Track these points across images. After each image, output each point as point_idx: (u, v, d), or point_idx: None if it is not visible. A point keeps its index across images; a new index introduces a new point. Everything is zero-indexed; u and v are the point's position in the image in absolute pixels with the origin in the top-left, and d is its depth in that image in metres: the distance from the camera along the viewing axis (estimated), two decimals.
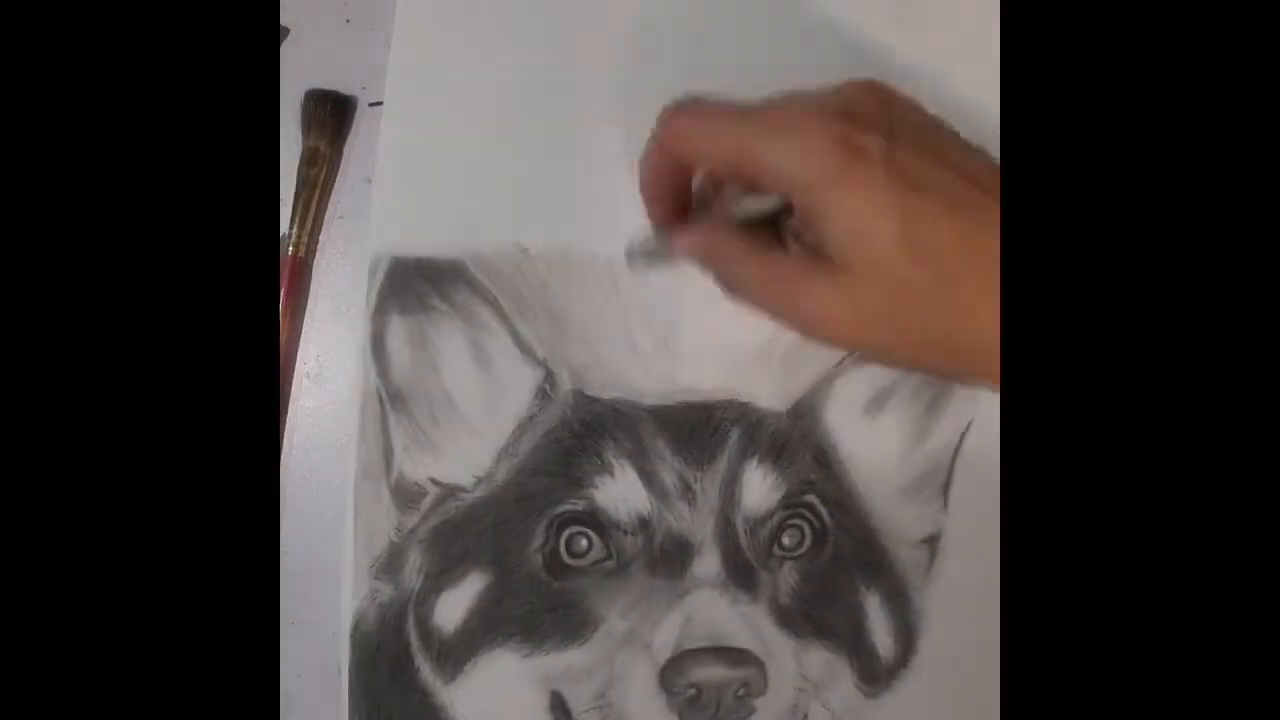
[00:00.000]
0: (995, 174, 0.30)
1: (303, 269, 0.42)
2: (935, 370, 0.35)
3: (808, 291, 0.31)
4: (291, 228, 0.42)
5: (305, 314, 0.42)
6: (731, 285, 0.33)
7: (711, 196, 0.35)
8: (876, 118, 0.30)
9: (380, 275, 0.40)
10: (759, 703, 0.37)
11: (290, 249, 0.42)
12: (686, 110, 0.33)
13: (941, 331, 0.30)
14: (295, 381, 0.42)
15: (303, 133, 0.43)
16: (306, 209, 0.42)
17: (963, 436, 0.39)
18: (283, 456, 0.41)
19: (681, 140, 0.33)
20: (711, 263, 0.33)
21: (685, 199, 0.35)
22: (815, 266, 0.31)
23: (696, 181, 0.35)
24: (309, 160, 0.43)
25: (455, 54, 0.42)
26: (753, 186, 0.32)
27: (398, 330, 0.40)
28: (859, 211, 0.29)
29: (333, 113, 0.43)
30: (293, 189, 0.43)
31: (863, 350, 0.34)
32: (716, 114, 0.32)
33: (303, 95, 0.43)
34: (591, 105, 0.41)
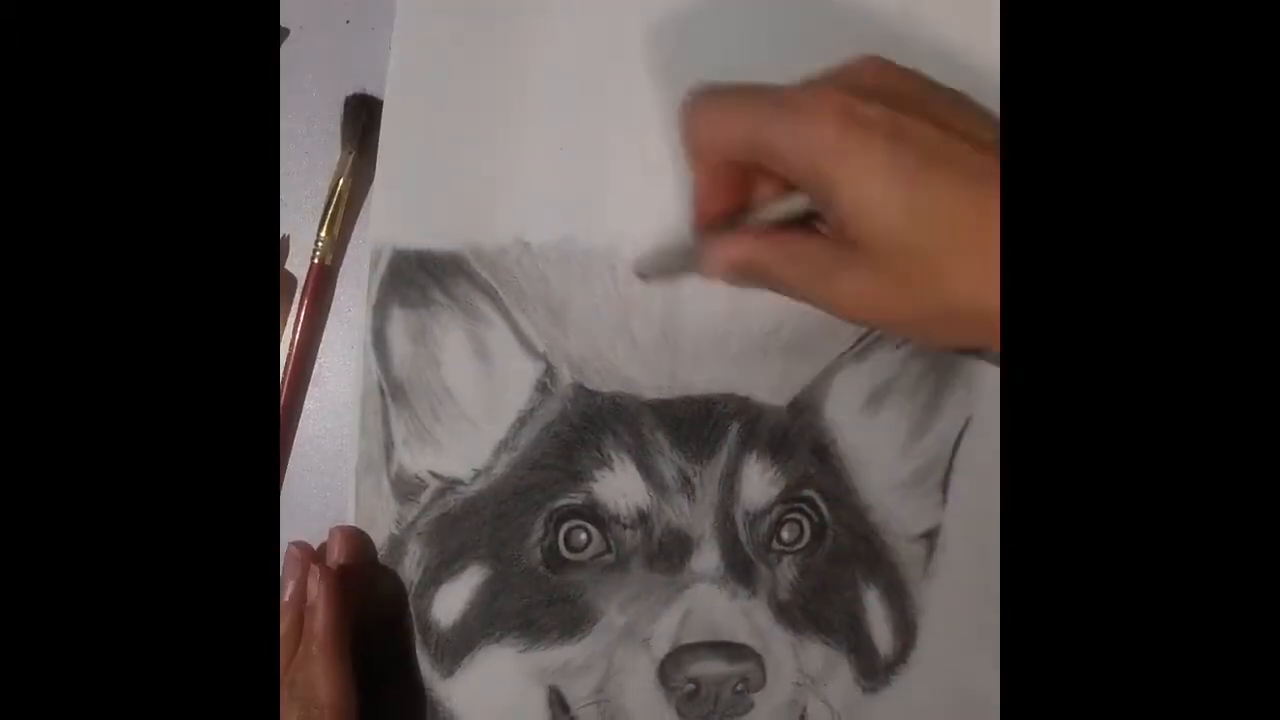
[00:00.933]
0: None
1: (328, 276, 0.42)
2: (972, 343, 0.34)
3: (839, 278, 0.31)
4: (320, 234, 0.42)
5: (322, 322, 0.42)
6: (771, 288, 0.33)
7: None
8: (879, 88, 0.30)
9: (381, 268, 0.40)
10: (757, 697, 0.37)
11: (316, 257, 0.42)
12: (700, 100, 0.33)
13: (965, 299, 0.30)
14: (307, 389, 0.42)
15: (342, 140, 0.43)
16: (335, 216, 0.42)
17: (962, 431, 0.39)
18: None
19: (698, 131, 0.33)
20: (750, 275, 0.33)
21: (734, 201, 0.34)
22: (842, 251, 0.31)
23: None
24: (341, 167, 0.43)
25: (455, 52, 0.42)
26: (771, 173, 0.32)
27: (399, 323, 0.40)
28: (864, 182, 0.29)
29: (366, 120, 0.42)
30: (323, 191, 0.42)
31: (898, 329, 0.34)
32: (727, 99, 0.32)
33: (342, 101, 0.43)
34: (591, 100, 0.41)
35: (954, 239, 0.29)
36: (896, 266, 0.30)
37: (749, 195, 0.34)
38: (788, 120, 0.30)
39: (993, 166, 0.29)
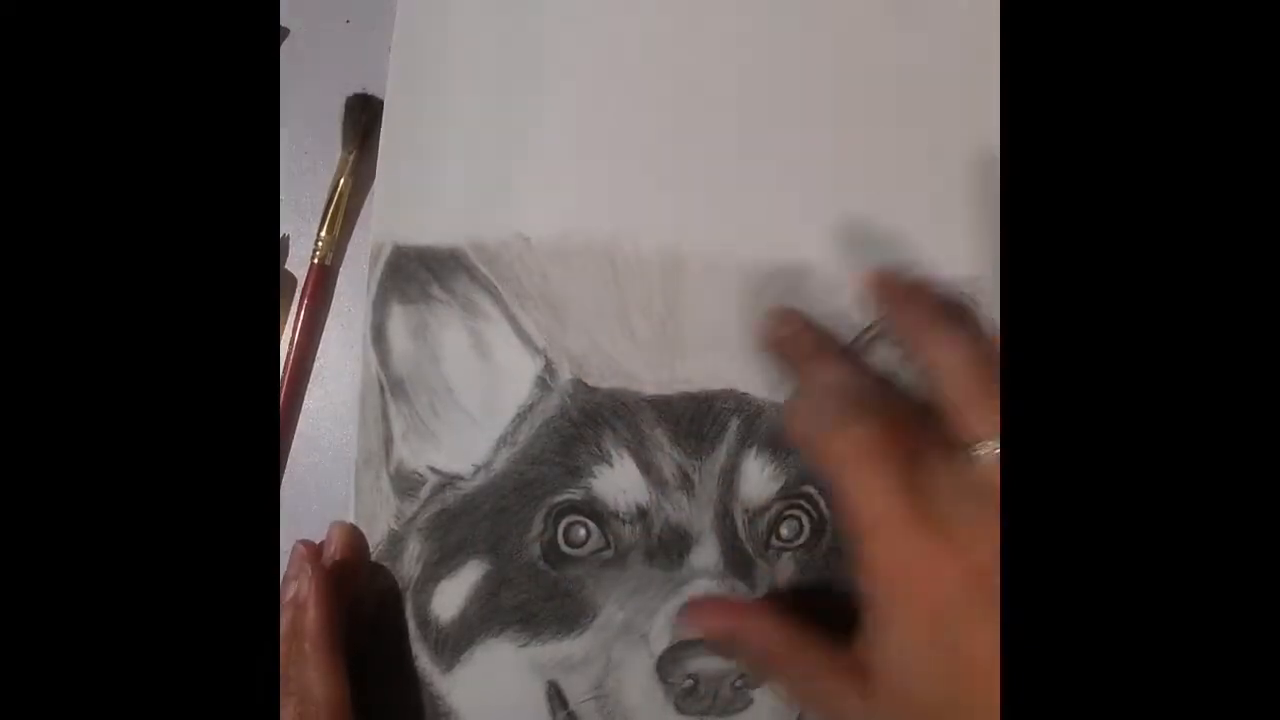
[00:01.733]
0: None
1: (327, 276, 0.42)
2: None
3: (840, 704, 0.30)
4: (320, 234, 0.42)
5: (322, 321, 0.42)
6: (759, 671, 0.34)
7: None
8: (937, 471, 0.30)
9: (381, 264, 0.40)
10: (757, 694, 0.37)
11: (316, 257, 0.42)
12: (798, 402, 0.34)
13: None
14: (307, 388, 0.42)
15: (342, 140, 0.43)
16: (335, 215, 0.42)
17: None
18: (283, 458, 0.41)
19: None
20: (739, 648, 0.34)
21: None
22: (856, 676, 0.30)
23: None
24: (341, 166, 0.43)
25: (455, 51, 0.42)
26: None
27: (398, 319, 0.40)
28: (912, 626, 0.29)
29: (367, 120, 0.43)
30: (324, 192, 0.42)
31: None
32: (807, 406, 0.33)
33: (342, 101, 0.43)
34: (591, 97, 0.41)
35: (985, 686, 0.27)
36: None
37: None
38: (853, 476, 0.31)
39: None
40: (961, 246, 0.39)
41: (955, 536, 0.29)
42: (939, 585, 0.29)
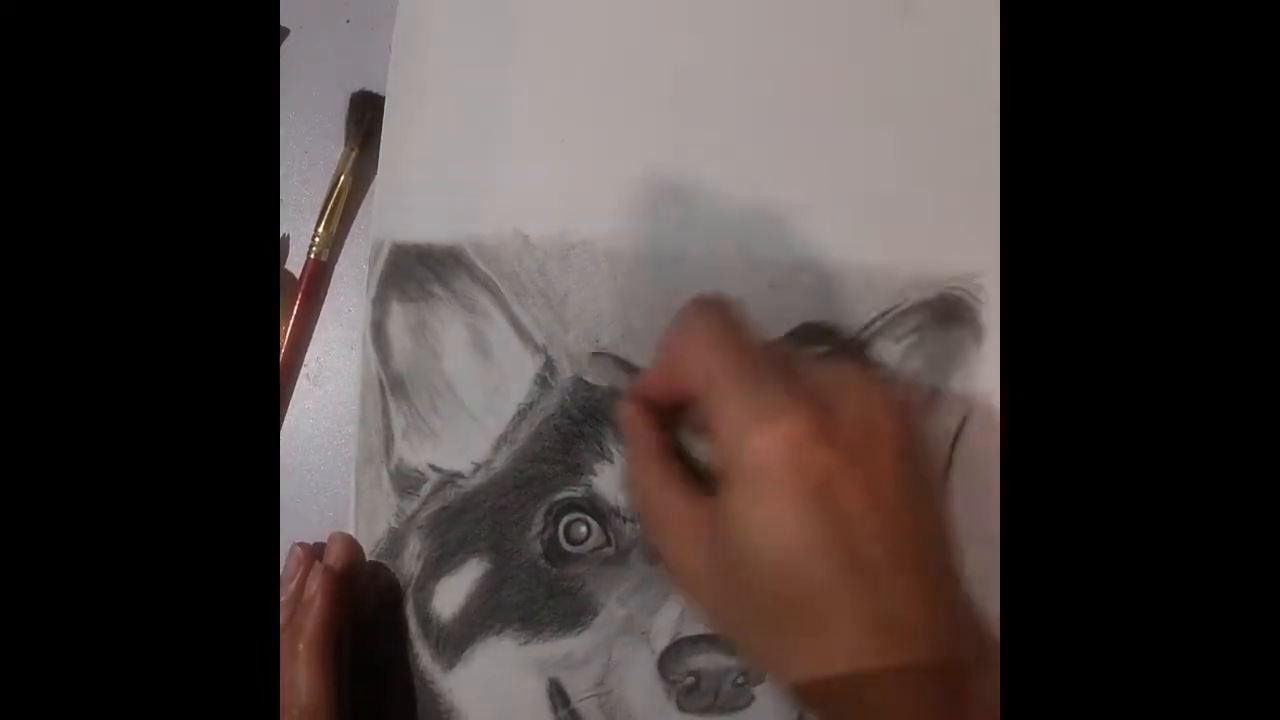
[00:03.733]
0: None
1: (322, 272, 0.42)
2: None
3: (663, 499, 0.30)
4: (317, 230, 0.42)
5: (315, 316, 0.42)
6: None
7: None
8: (852, 440, 0.28)
9: (381, 262, 0.40)
10: (758, 690, 0.37)
11: (313, 252, 0.42)
12: (685, 327, 0.31)
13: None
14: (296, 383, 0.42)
15: (345, 136, 0.43)
16: (334, 212, 0.42)
17: (960, 427, 0.39)
18: (283, 458, 0.41)
19: (673, 356, 0.31)
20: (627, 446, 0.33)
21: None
22: (690, 485, 0.30)
23: None
24: (342, 163, 0.43)
25: (455, 50, 0.42)
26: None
27: (398, 317, 0.40)
28: (758, 507, 0.28)
29: (370, 116, 0.42)
30: (324, 191, 0.42)
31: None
32: (706, 343, 0.30)
33: (348, 97, 0.43)
34: (591, 95, 0.41)
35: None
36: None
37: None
38: (741, 408, 0.28)
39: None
40: (961, 246, 0.39)
41: (807, 397, 0.28)
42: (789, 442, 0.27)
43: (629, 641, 0.37)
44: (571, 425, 0.39)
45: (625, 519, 0.38)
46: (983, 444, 0.39)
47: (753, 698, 0.37)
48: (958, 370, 0.39)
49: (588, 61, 0.41)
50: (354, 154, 0.42)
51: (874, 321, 0.39)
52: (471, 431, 0.39)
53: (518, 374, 0.39)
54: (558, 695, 0.38)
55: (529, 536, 0.38)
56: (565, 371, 0.39)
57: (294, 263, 0.43)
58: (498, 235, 0.40)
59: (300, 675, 0.34)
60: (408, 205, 0.41)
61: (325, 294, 0.43)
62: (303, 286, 0.42)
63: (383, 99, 0.42)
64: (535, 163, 0.41)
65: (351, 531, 0.39)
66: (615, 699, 0.37)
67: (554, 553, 0.38)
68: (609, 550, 0.38)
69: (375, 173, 0.42)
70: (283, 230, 0.43)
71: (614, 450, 0.38)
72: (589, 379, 0.39)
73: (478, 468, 0.39)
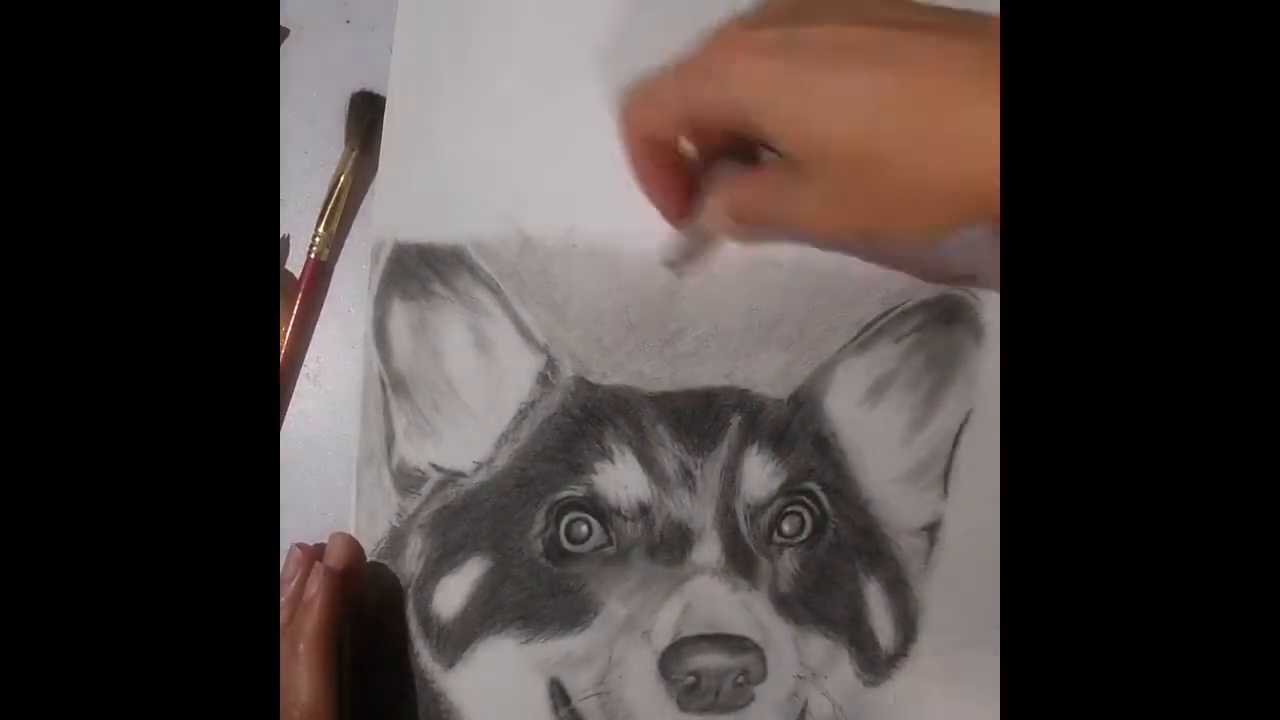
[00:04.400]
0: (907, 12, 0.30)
1: (322, 272, 0.42)
2: (944, 237, 0.31)
3: (798, 197, 0.31)
4: (318, 230, 0.42)
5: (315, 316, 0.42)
6: (772, 233, 0.34)
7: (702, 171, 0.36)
8: (781, 8, 0.31)
9: (382, 261, 0.40)
10: (758, 690, 0.37)
11: (313, 252, 0.42)
12: (634, 96, 0.34)
13: (911, 180, 0.29)
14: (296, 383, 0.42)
15: (345, 136, 0.43)
16: (334, 211, 0.42)
17: (963, 425, 0.39)
18: (283, 458, 0.41)
19: (640, 126, 0.34)
20: (748, 217, 0.34)
21: (684, 181, 0.35)
22: (794, 172, 0.31)
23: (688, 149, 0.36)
24: (343, 163, 0.43)
25: (455, 49, 0.42)
26: (726, 138, 0.33)
27: (400, 316, 0.40)
28: (776, 105, 0.30)
29: (371, 116, 0.42)
30: (324, 191, 0.42)
31: (872, 237, 0.33)
32: (653, 90, 0.33)
33: (348, 98, 0.43)
34: (591, 94, 0.41)
35: (874, 124, 0.28)
36: (840, 169, 0.30)
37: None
38: (704, 81, 0.31)
39: (903, 42, 0.29)
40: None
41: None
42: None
43: (630, 641, 0.37)
44: (573, 424, 0.39)
45: (626, 518, 0.38)
46: (983, 444, 0.39)
47: (753, 698, 0.37)
48: (958, 370, 0.39)
49: (588, 61, 0.41)
50: (354, 154, 0.42)
51: (874, 321, 0.39)
52: (473, 430, 0.39)
53: (519, 373, 0.39)
54: (558, 694, 0.38)
55: (530, 535, 0.38)
56: (567, 370, 0.39)
57: (294, 263, 0.43)
58: (499, 235, 0.40)
59: (300, 675, 0.34)
60: (409, 205, 0.41)
61: (325, 294, 0.43)
62: (303, 286, 0.42)
63: (383, 99, 0.42)
64: (536, 162, 0.41)
65: (352, 531, 0.39)
66: (615, 698, 0.37)
67: (555, 552, 0.38)
68: (610, 549, 0.38)
69: (375, 173, 0.42)
70: (283, 230, 0.43)
71: (615, 449, 0.38)
72: (591, 378, 0.39)
73: (479, 466, 0.39)
